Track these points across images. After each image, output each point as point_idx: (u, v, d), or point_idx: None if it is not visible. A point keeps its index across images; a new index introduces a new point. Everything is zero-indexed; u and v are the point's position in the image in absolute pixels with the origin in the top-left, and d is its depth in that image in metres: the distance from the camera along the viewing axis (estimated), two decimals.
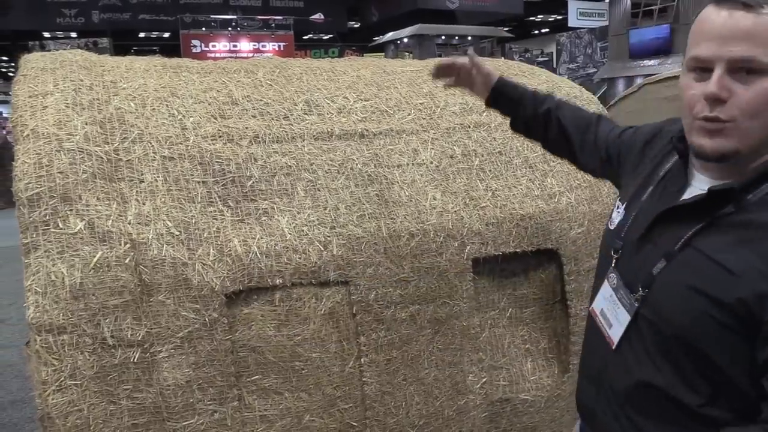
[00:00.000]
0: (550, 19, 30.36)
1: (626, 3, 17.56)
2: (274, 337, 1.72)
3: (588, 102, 2.50)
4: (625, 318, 1.19)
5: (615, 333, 1.22)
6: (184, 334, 1.62)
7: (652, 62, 16.21)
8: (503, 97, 1.68)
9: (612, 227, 1.32)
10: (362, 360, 1.83)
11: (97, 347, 1.55)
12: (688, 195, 1.15)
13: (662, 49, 16.60)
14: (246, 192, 1.79)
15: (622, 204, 1.31)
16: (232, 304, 1.70)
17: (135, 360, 1.58)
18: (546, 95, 1.68)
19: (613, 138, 1.51)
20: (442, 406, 1.95)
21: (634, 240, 1.21)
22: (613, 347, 1.22)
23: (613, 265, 1.26)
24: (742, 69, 1.01)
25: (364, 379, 1.84)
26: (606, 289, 1.27)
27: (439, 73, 1.75)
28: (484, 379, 2.02)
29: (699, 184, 1.14)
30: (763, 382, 1.01)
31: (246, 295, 1.71)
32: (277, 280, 1.72)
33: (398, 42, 22.02)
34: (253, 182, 1.81)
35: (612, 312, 1.24)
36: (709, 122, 1.04)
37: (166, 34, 24.31)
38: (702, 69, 1.06)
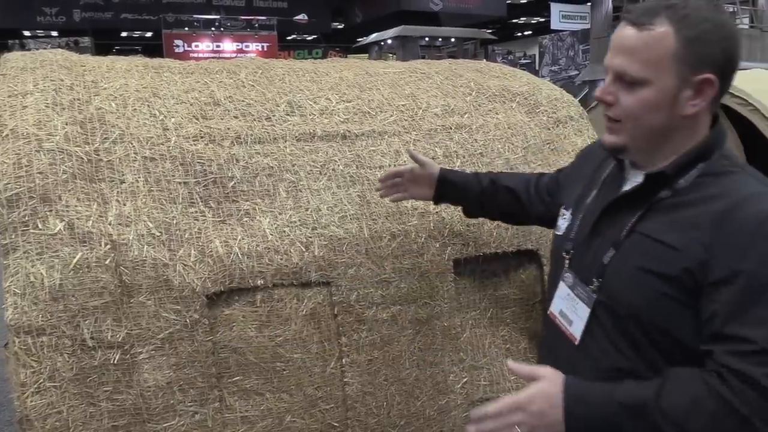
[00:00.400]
0: (533, 22, 30.57)
1: (608, 6, 17.74)
2: (256, 338, 1.73)
3: (569, 104, 2.52)
4: (584, 311, 1.28)
5: (576, 329, 1.30)
6: (164, 335, 1.62)
7: None
8: (449, 186, 1.80)
9: (560, 233, 1.43)
10: (343, 360, 1.84)
11: (77, 349, 1.54)
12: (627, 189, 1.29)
13: None
14: (227, 193, 1.79)
15: (567, 210, 1.44)
16: (213, 305, 1.70)
17: (115, 361, 1.58)
18: (484, 173, 1.84)
19: (553, 177, 1.70)
20: (423, 406, 1.96)
21: (583, 238, 1.33)
22: (577, 343, 1.30)
23: (566, 266, 1.36)
24: (623, 78, 1.17)
25: (345, 380, 1.84)
26: (562, 290, 1.37)
27: (386, 181, 1.83)
28: (465, 379, 2.03)
29: (634, 179, 1.27)
30: (706, 336, 1.12)
31: (227, 296, 1.71)
32: (259, 281, 1.72)
33: (382, 43, 22.05)
34: (235, 183, 1.81)
35: (571, 309, 1.32)
36: (607, 120, 1.23)
37: (149, 34, 24.14)
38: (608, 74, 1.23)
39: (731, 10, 20.19)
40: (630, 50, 1.16)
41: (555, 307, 1.38)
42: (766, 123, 3.33)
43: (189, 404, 1.65)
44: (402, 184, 1.82)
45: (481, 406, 1.21)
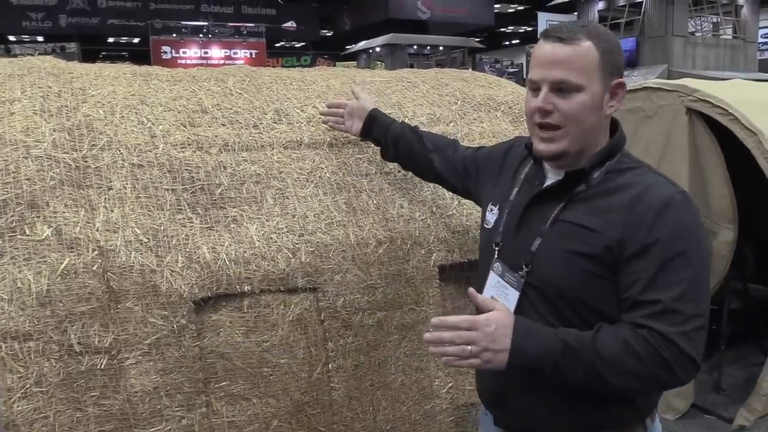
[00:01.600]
0: (521, 31, 30.82)
1: (594, 16, 17.92)
2: (243, 344, 1.74)
3: None
4: (514, 295, 1.42)
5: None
6: (151, 341, 1.63)
7: None
8: (376, 124, 1.95)
9: (489, 226, 1.57)
10: (330, 366, 1.85)
11: (64, 354, 1.55)
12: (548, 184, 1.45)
13: (629, 62, 16.96)
14: (215, 199, 1.81)
15: (495, 206, 1.57)
16: (201, 310, 1.71)
17: (102, 367, 1.59)
18: (414, 125, 1.98)
19: (471, 154, 1.83)
20: (409, 411, 1.99)
21: (511, 230, 1.47)
22: None
23: (496, 256, 1.49)
24: (560, 88, 1.33)
25: (331, 385, 1.86)
26: (492, 279, 1.50)
27: (329, 110, 2.06)
28: (450, 384, 2.06)
29: (553, 176, 1.45)
30: (626, 306, 1.30)
31: (214, 302, 1.73)
32: (246, 287, 1.74)
33: (371, 51, 22.12)
34: (222, 190, 1.83)
35: (502, 295, 1.45)
36: (543, 130, 1.37)
37: (136, 40, 24.07)
38: (535, 88, 1.37)
39: (715, 20, 20.49)
40: (565, 62, 1.32)
41: (486, 295, 1.49)
42: (745, 132, 3.39)
43: (176, 409, 1.66)
44: (341, 115, 2.02)
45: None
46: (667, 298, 1.25)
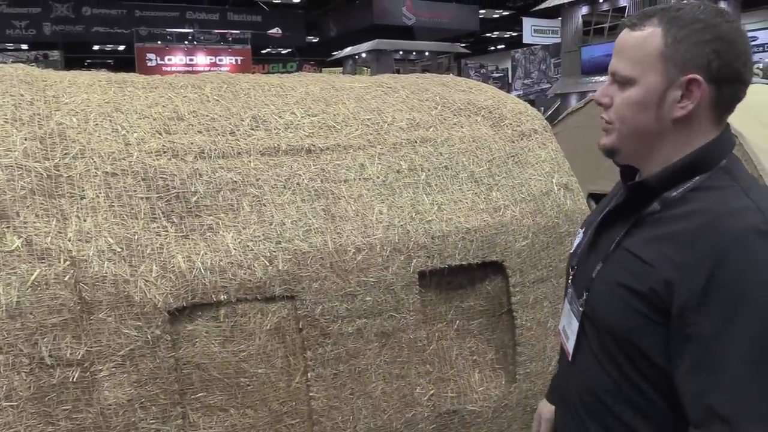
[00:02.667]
0: (506, 36, 30.99)
1: (578, 21, 18.05)
2: (219, 354, 1.72)
3: (533, 117, 2.56)
4: (575, 326, 1.26)
5: (570, 344, 1.29)
6: (125, 352, 1.60)
7: (603, 78, 16.65)
8: None
9: (572, 250, 1.41)
10: (309, 375, 1.83)
11: (35, 367, 1.52)
12: None
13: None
14: (190, 208, 1.79)
15: (582, 229, 1.41)
16: (176, 320, 1.68)
17: (74, 379, 1.56)
18: None
19: None
20: (390, 419, 1.97)
21: (584, 254, 1.31)
22: (569, 359, 1.28)
23: (570, 281, 1.34)
24: (617, 80, 1.19)
25: (310, 394, 1.84)
26: (565, 306, 1.35)
27: None
28: (432, 391, 2.04)
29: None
30: (680, 387, 1.05)
31: (190, 312, 1.70)
32: (222, 296, 1.71)
33: (357, 57, 22.15)
34: (198, 198, 1.80)
35: (569, 325, 1.31)
36: (603, 123, 1.22)
37: (121, 47, 23.94)
38: None
39: None
40: (622, 50, 1.17)
41: (561, 325, 1.37)
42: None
43: (151, 422, 1.64)
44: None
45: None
46: (727, 378, 0.97)
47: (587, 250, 1.30)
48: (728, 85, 1.12)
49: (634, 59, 1.14)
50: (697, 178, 1.12)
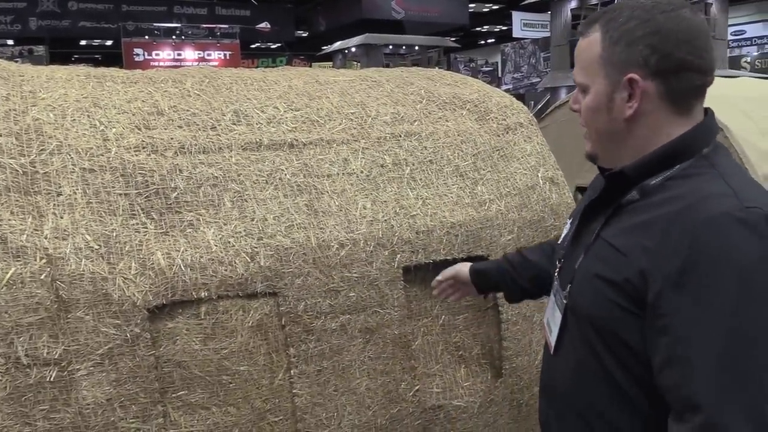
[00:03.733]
0: (496, 30, 30.95)
1: (567, 15, 18.04)
2: (200, 351, 1.69)
3: (518, 111, 2.55)
4: (558, 318, 1.25)
5: (554, 337, 1.28)
6: (104, 351, 1.58)
7: None
8: (484, 283, 1.76)
9: (559, 242, 1.40)
10: (292, 372, 1.81)
11: (11, 367, 1.50)
12: None
13: None
14: (170, 204, 1.76)
15: (569, 219, 1.40)
16: (156, 318, 1.66)
17: (51, 379, 1.53)
18: (508, 256, 1.75)
19: None
20: (375, 415, 1.95)
21: (569, 246, 1.30)
22: (551, 351, 1.28)
23: (556, 273, 1.33)
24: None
25: (294, 391, 1.82)
26: (550, 298, 1.34)
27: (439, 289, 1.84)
28: (417, 387, 2.03)
29: None
30: (658, 379, 1.04)
31: (170, 309, 1.68)
32: (203, 293, 1.69)
33: (346, 51, 22.05)
34: (178, 194, 1.78)
35: (552, 317, 1.30)
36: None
37: (108, 42, 23.73)
38: None
39: None
40: (576, 58, 1.20)
41: (545, 318, 1.36)
42: None
43: (131, 421, 1.61)
44: (454, 285, 1.82)
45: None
46: (698, 364, 0.97)
47: (572, 242, 1.29)
48: (674, 75, 1.09)
49: (584, 66, 1.17)
50: (678, 166, 1.11)
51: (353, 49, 21.71)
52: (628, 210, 1.14)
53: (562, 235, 1.39)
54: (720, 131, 3.37)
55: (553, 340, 1.27)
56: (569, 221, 1.39)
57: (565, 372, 1.22)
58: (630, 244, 1.07)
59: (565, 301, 1.23)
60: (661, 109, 1.12)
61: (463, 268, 1.78)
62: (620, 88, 1.12)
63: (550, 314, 1.31)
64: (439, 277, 1.82)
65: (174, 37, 19.95)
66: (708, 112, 1.17)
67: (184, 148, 1.86)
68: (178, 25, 20.22)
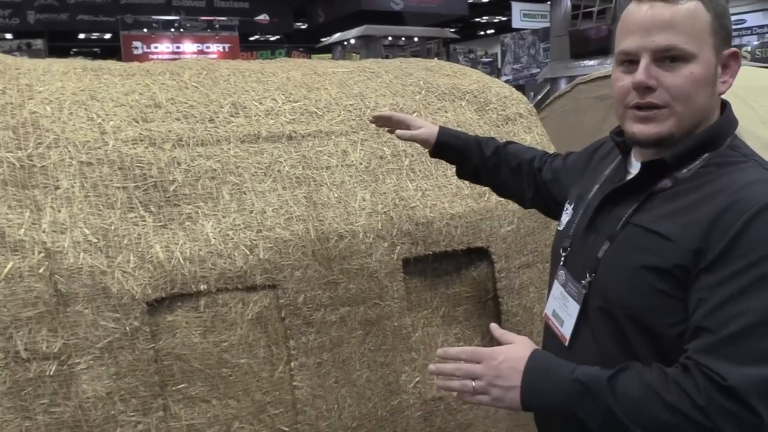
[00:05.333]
0: (495, 21, 30.83)
1: (566, 5, 17.95)
2: (200, 344, 1.69)
3: (518, 101, 2.54)
4: (575, 309, 1.21)
5: (567, 329, 1.24)
6: (103, 345, 1.58)
7: (592, 62, 16.63)
8: (447, 149, 1.73)
9: (560, 228, 1.36)
10: (292, 364, 1.81)
11: (10, 361, 1.49)
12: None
13: (601, 50, 17.01)
14: (169, 197, 1.75)
15: (570, 205, 1.36)
16: (155, 311, 1.66)
17: (51, 373, 1.53)
18: (489, 138, 1.73)
19: (560, 162, 1.58)
20: (375, 407, 1.95)
21: (580, 234, 1.25)
22: (566, 344, 1.24)
23: (562, 263, 1.29)
24: (666, 57, 1.09)
25: (294, 384, 1.82)
26: (556, 289, 1.30)
27: (378, 121, 1.84)
28: (417, 379, 2.03)
29: (636, 171, 1.19)
30: (689, 331, 1.04)
31: (169, 302, 1.67)
32: (202, 286, 1.69)
33: (345, 43, 21.98)
34: (176, 187, 1.77)
35: (563, 308, 1.26)
36: (642, 110, 1.12)
37: (107, 36, 23.65)
38: (630, 61, 1.13)
39: None
40: (672, 25, 1.08)
41: (548, 309, 1.32)
42: None
43: (131, 414, 1.61)
44: (397, 120, 1.77)
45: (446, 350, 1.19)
46: (735, 328, 0.97)
47: (585, 229, 1.24)
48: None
49: (691, 33, 1.07)
50: (706, 155, 1.11)
51: (352, 41, 21.64)
52: (661, 197, 1.12)
53: (564, 221, 1.36)
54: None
55: (567, 332, 1.23)
56: (570, 206, 1.36)
57: (583, 363, 1.16)
58: (676, 229, 1.06)
59: (584, 291, 1.19)
60: (730, 86, 1.14)
61: (429, 132, 1.71)
62: (719, 62, 1.11)
63: (558, 305, 1.27)
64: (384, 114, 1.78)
65: (172, 29, 19.87)
66: (725, 102, 1.17)
67: (182, 141, 1.85)
68: (177, 17, 20.14)
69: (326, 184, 1.96)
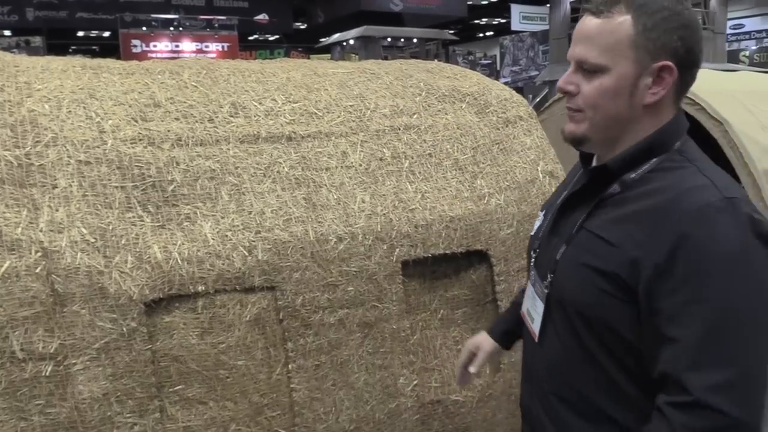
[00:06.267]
0: (494, 23, 30.87)
1: (566, 7, 17.98)
2: (197, 346, 1.68)
3: (518, 104, 2.53)
4: (541, 307, 1.29)
5: (536, 325, 1.31)
6: (100, 345, 1.57)
7: None
8: (510, 336, 1.63)
9: (533, 233, 1.43)
10: (290, 366, 1.80)
11: (6, 361, 1.48)
12: None
13: None
14: (167, 197, 1.74)
15: (542, 212, 1.44)
16: (152, 312, 1.65)
17: (47, 373, 1.52)
18: (517, 300, 1.63)
19: None
20: (373, 410, 1.94)
21: (546, 236, 1.33)
22: (536, 339, 1.31)
23: (532, 264, 1.36)
24: (583, 68, 1.17)
25: (292, 386, 1.81)
26: (529, 288, 1.38)
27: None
28: (415, 382, 2.02)
29: None
30: (648, 360, 1.10)
31: (167, 303, 1.66)
32: (200, 287, 1.68)
33: (345, 44, 21.98)
34: (175, 187, 1.76)
35: (533, 307, 1.33)
36: (569, 111, 1.22)
37: (106, 34, 23.63)
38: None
39: None
40: (589, 38, 1.16)
41: (524, 307, 1.39)
42: (712, 122, 3.39)
43: (127, 416, 1.60)
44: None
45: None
46: (685, 346, 1.03)
47: (549, 233, 1.32)
48: (689, 71, 1.17)
49: (606, 47, 1.14)
50: (654, 159, 1.17)
51: (351, 41, 21.63)
52: (610, 203, 1.18)
53: (536, 226, 1.43)
54: (721, 125, 3.36)
55: (536, 328, 1.30)
56: (542, 213, 1.43)
57: (550, 359, 1.26)
58: (619, 235, 1.12)
59: (546, 291, 1.26)
60: (670, 101, 1.18)
61: (485, 343, 1.63)
62: (647, 74, 1.14)
63: (530, 304, 1.35)
64: (472, 369, 1.62)
65: (172, 28, 19.85)
66: (679, 108, 1.22)
67: (181, 141, 1.84)
68: (176, 16, 20.12)
69: (325, 185, 1.95)
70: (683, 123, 1.21)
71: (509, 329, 1.62)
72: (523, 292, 1.61)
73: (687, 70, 1.16)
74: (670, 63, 1.13)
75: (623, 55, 1.14)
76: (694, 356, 1.02)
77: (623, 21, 1.13)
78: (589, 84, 1.16)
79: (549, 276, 1.25)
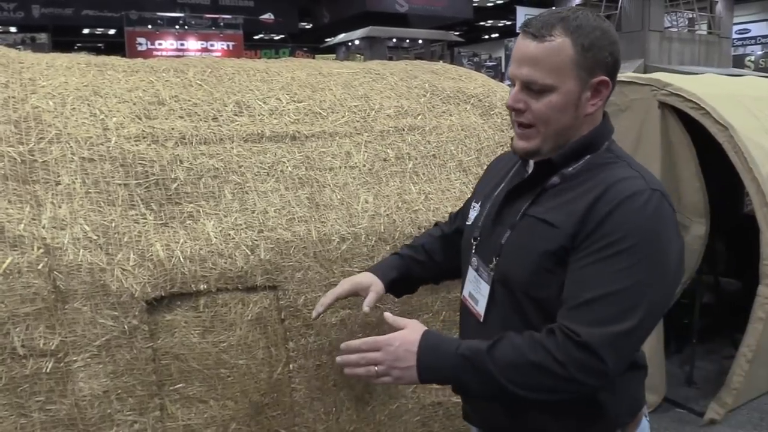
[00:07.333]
0: (500, 25, 30.86)
1: None
2: (199, 344, 1.68)
3: None
4: (486, 289, 1.41)
5: (481, 306, 1.43)
6: (101, 343, 1.56)
7: None
8: (401, 283, 1.70)
9: (469, 223, 1.55)
10: (291, 366, 1.80)
11: (6, 357, 1.48)
12: None
13: None
14: (170, 195, 1.74)
15: (477, 203, 1.55)
16: (154, 310, 1.64)
17: (48, 370, 1.51)
18: (416, 243, 1.75)
19: (463, 207, 1.73)
20: (374, 411, 1.94)
21: (488, 225, 1.45)
22: (481, 319, 1.42)
23: (473, 251, 1.47)
24: (531, 87, 1.28)
25: (292, 386, 1.80)
26: (470, 274, 1.48)
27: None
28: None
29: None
30: (559, 310, 1.23)
31: (168, 301, 1.66)
32: (202, 286, 1.67)
33: (350, 44, 21.99)
34: (178, 185, 1.76)
35: (476, 289, 1.45)
36: (519, 127, 1.34)
37: (111, 31, 23.68)
38: (514, 84, 1.33)
39: (690, 16, 20.67)
40: (534, 61, 1.26)
41: (465, 291, 1.50)
42: (717, 127, 3.38)
43: (127, 413, 1.60)
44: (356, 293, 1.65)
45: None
46: (589, 295, 1.19)
47: (492, 221, 1.43)
48: (615, 78, 1.32)
49: (551, 68, 1.25)
50: (588, 156, 1.33)
51: (356, 42, 21.65)
52: (551, 192, 1.33)
53: (472, 217, 1.54)
54: (726, 130, 3.34)
55: (482, 309, 1.42)
56: (477, 204, 1.54)
57: (493, 335, 1.30)
58: (561, 218, 1.27)
59: (492, 273, 1.38)
60: (601, 107, 1.34)
61: (376, 285, 1.63)
62: (587, 89, 1.28)
63: (473, 287, 1.46)
64: (366, 309, 1.60)
65: (177, 26, 19.88)
66: (605, 113, 1.38)
67: (185, 139, 1.83)
68: (182, 14, 20.15)
69: (329, 185, 1.94)
70: (610, 126, 1.38)
71: (398, 278, 1.69)
72: (416, 246, 1.75)
73: (614, 77, 1.32)
74: (605, 78, 1.28)
75: (567, 75, 1.26)
76: (597, 307, 1.18)
77: (563, 42, 1.25)
78: (538, 102, 1.28)
79: (494, 259, 1.37)
